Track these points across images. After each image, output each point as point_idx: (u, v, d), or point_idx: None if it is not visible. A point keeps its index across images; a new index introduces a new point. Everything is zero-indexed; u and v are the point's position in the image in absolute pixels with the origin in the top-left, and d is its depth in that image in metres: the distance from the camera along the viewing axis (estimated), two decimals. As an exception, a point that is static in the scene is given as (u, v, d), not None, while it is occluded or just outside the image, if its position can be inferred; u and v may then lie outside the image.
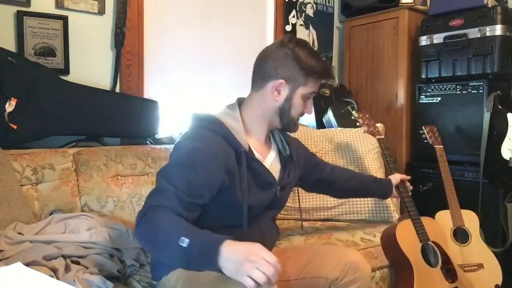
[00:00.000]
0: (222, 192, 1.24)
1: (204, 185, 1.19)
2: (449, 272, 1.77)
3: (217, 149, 1.22)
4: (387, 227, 1.86)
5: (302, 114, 1.40)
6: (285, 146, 1.47)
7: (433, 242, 1.78)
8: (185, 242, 1.03)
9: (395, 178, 1.86)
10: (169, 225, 1.09)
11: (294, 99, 1.34)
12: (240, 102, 1.41)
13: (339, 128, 2.49)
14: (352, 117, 2.13)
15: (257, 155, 1.34)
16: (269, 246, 1.44)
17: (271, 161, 1.41)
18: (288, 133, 1.51)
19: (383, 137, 2.10)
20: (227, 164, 1.23)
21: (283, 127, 1.41)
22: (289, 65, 1.31)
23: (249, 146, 1.32)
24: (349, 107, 2.36)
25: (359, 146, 2.30)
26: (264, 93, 1.34)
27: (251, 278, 0.96)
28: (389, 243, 1.78)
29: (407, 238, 1.74)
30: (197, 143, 1.22)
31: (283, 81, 1.32)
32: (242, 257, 0.99)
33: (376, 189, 1.84)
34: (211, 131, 1.26)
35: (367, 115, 2.12)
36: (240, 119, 1.33)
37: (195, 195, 1.16)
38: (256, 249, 1.01)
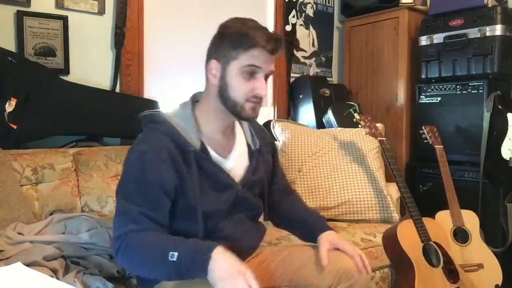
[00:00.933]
0: (176, 196, 1.18)
1: (159, 189, 1.14)
2: (451, 272, 1.77)
3: (162, 148, 1.15)
4: (388, 227, 1.86)
5: (251, 95, 1.19)
6: (255, 140, 1.35)
7: (435, 242, 1.78)
8: (174, 256, 1.04)
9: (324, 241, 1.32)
10: (152, 244, 1.09)
11: (228, 77, 1.19)
12: (196, 98, 1.31)
13: (339, 128, 2.49)
14: (354, 120, 2.15)
15: (212, 153, 1.23)
16: (250, 247, 1.35)
17: (235, 157, 1.29)
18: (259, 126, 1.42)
19: (384, 138, 2.10)
20: (174, 164, 1.15)
21: (233, 113, 1.22)
22: (217, 43, 1.21)
23: (202, 143, 1.21)
24: (351, 110, 2.36)
25: (359, 146, 2.30)
26: (206, 82, 1.25)
27: None
28: (391, 243, 1.78)
29: (409, 238, 1.74)
30: (142, 145, 1.16)
31: (213, 60, 1.21)
32: (231, 271, 1.00)
33: (304, 233, 1.42)
34: (156, 131, 1.19)
35: (368, 118, 2.14)
36: (191, 116, 1.23)
37: (156, 206, 1.14)
38: (247, 271, 1.01)
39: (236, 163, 1.29)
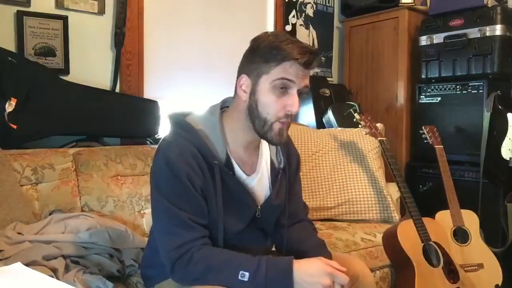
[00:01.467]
0: None
1: (197, 193, 1.11)
2: (451, 272, 1.77)
3: (189, 157, 1.10)
4: (388, 227, 1.86)
5: (282, 114, 1.12)
6: (280, 157, 1.27)
7: (435, 242, 1.78)
8: (245, 276, 1.04)
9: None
10: (218, 260, 1.08)
11: (259, 93, 1.12)
12: (225, 103, 1.25)
13: (339, 128, 2.49)
14: (354, 119, 2.15)
15: (237, 169, 1.19)
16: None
17: (258, 176, 1.23)
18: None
19: (384, 138, 2.11)
20: (203, 174, 1.12)
21: (259, 133, 1.15)
22: (249, 57, 1.15)
23: (228, 156, 1.16)
24: (351, 110, 2.35)
25: (359, 146, 2.30)
26: (236, 96, 1.18)
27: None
28: (391, 243, 1.78)
29: (409, 238, 1.74)
30: (170, 154, 1.11)
31: (244, 74, 1.14)
32: (318, 273, 1.05)
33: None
34: (182, 138, 1.13)
35: (368, 117, 2.14)
36: (218, 125, 1.17)
37: (201, 211, 1.12)
38: (327, 263, 1.07)
39: (258, 182, 1.23)
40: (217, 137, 1.16)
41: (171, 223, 1.10)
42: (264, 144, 1.27)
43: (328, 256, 1.21)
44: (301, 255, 1.20)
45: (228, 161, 1.17)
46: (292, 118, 1.14)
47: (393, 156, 2.02)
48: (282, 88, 1.10)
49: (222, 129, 1.18)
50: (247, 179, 1.21)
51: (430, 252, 1.75)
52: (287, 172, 1.29)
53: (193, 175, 1.10)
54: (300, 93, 1.13)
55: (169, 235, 1.10)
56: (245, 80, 1.14)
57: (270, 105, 1.11)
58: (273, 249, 1.37)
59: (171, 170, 1.09)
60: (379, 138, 2.10)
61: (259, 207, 1.22)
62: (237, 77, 1.18)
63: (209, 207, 1.14)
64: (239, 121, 1.17)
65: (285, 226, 1.29)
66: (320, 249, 1.26)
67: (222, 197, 1.14)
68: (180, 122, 1.18)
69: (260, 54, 1.11)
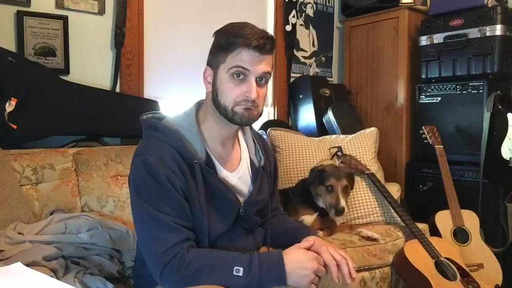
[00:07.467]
0: None
1: (179, 195, 1.10)
2: (471, 284, 1.76)
3: (168, 158, 1.10)
4: (395, 253, 1.87)
5: (241, 99, 1.12)
6: (260, 156, 1.29)
7: (447, 258, 1.79)
8: (240, 271, 1.05)
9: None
10: (210, 259, 1.07)
11: (218, 82, 1.14)
12: (200, 105, 1.24)
13: (334, 136, 2.46)
14: (338, 163, 2.16)
15: (218, 166, 1.18)
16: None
17: (239, 173, 1.23)
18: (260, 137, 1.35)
19: (372, 172, 2.11)
20: (183, 175, 1.11)
21: (227, 119, 1.15)
22: (211, 49, 1.18)
23: (208, 155, 1.16)
24: (336, 154, 2.28)
25: (357, 150, 2.29)
26: (206, 90, 1.21)
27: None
28: (402, 265, 1.78)
29: (418, 256, 1.76)
30: (148, 157, 1.09)
31: (208, 66, 1.18)
32: (305, 259, 1.10)
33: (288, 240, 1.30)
34: (159, 140, 1.13)
35: (352, 161, 2.15)
36: (195, 124, 1.17)
37: (183, 213, 1.11)
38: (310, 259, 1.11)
39: (240, 179, 1.23)
40: (194, 136, 1.16)
41: (155, 228, 1.08)
42: (244, 144, 1.29)
43: (310, 233, 1.27)
44: (285, 236, 1.29)
45: (208, 159, 1.16)
46: (254, 104, 1.13)
47: (383, 185, 2.06)
48: (239, 76, 1.11)
49: (198, 127, 1.18)
50: (228, 176, 1.21)
51: (443, 267, 1.75)
52: (267, 169, 1.31)
53: (174, 177, 1.09)
54: (261, 80, 1.14)
55: (155, 240, 1.08)
56: (209, 71, 1.17)
57: (228, 93, 1.12)
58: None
59: (151, 174, 1.08)
60: (366, 172, 2.10)
61: (242, 204, 1.21)
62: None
63: (192, 209, 1.12)
64: (211, 115, 1.18)
65: (267, 221, 1.32)
66: (303, 229, 1.36)
67: (204, 196, 1.13)
68: (156, 125, 1.17)
69: (218, 44, 1.14)
